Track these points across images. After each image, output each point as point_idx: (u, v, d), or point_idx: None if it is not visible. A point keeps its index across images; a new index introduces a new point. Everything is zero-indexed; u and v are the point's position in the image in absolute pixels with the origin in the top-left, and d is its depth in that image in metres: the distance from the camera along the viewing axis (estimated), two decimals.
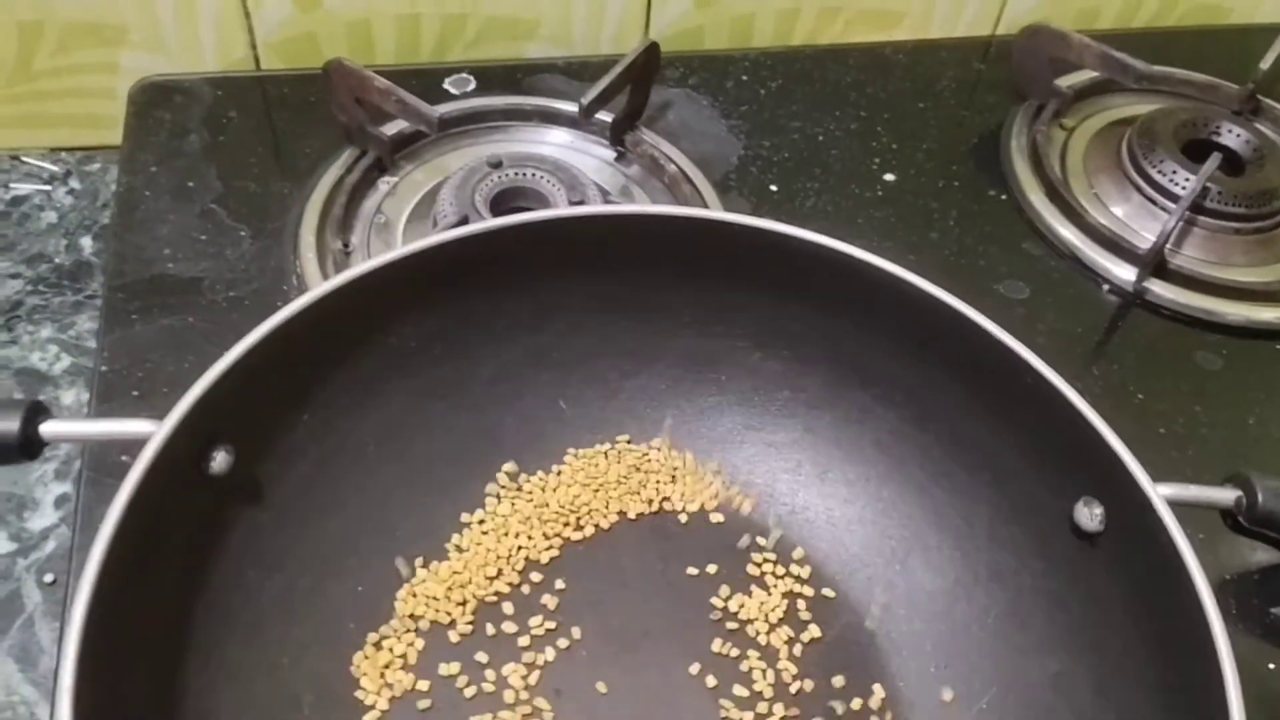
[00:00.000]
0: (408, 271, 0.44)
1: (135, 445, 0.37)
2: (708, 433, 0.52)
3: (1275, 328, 0.62)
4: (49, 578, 0.51)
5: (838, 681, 0.46)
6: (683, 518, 0.51)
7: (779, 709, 0.45)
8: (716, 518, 0.51)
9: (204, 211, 0.62)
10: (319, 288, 0.42)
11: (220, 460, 0.40)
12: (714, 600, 0.48)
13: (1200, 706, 0.36)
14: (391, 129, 0.65)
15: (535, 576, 0.49)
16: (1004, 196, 0.68)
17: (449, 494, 0.49)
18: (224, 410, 0.39)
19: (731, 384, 0.52)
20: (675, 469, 0.52)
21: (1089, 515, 0.42)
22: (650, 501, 0.51)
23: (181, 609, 0.40)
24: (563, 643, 0.47)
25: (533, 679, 0.46)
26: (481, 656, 0.46)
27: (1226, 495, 0.42)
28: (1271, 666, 0.49)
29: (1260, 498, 0.42)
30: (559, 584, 0.48)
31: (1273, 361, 0.62)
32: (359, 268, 0.43)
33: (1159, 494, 0.39)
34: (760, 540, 0.50)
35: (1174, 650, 0.39)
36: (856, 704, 0.46)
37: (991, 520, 0.46)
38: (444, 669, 0.46)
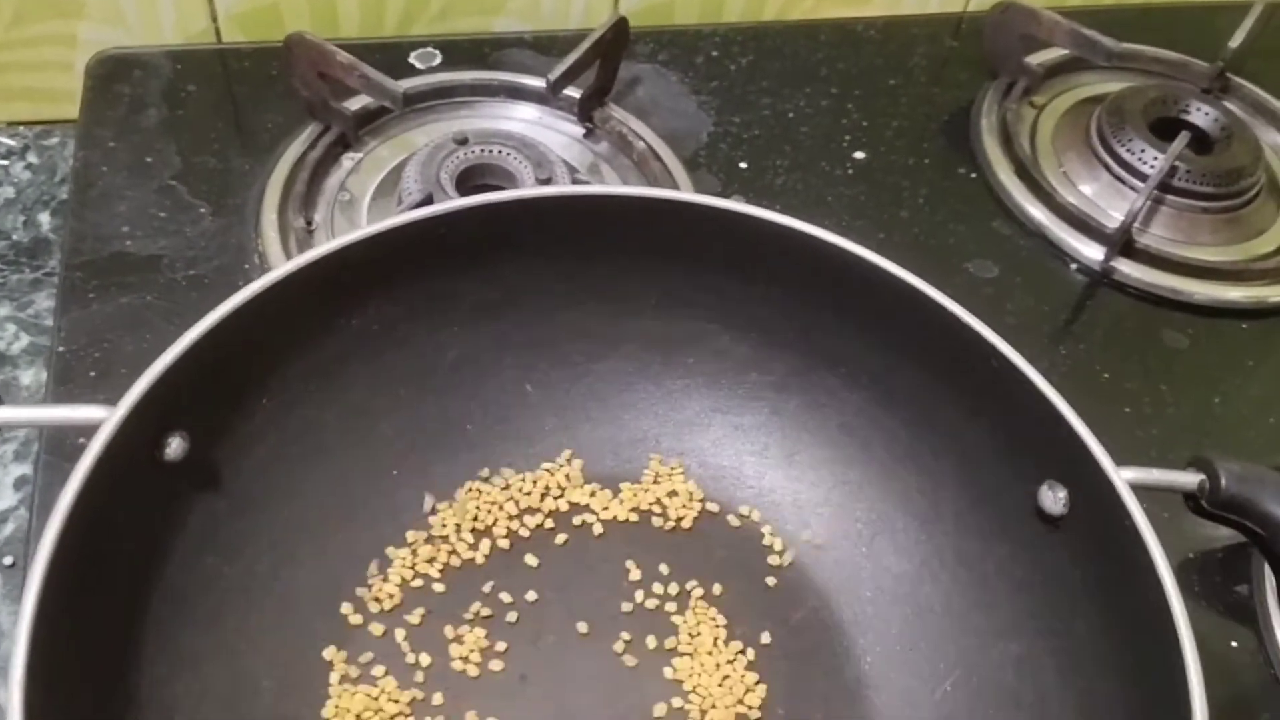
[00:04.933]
0: (369, 253, 0.44)
1: (92, 429, 0.37)
2: (675, 416, 0.52)
3: (1241, 307, 0.63)
4: (8, 560, 0.50)
5: (803, 663, 0.46)
6: (649, 502, 0.51)
7: (742, 690, 0.45)
8: (684, 503, 0.51)
9: (163, 188, 0.60)
10: (276, 271, 0.41)
11: (175, 447, 0.39)
12: (677, 582, 0.48)
13: (1162, 688, 0.37)
14: (355, 104, 0.64)
15: (501, 564, 0.48)
16: (974, 175, 0.68)
17: (411, 479, 0.48)
18: (179, 396, 0.39)
19: (699, 367, 0.51)
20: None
21: (1053, 499, 0.42)
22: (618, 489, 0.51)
23: (138, 596, 0.39)
24: (528, 629, 0.47)
25: (495, 665, 0.46)
26: (440, 638, 0.46)
27: (1189, 479, 0.42)
28: (1234, 644, 0.50)
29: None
30: (524, 572, 0.48)
31: (1239, 341, 0.62)
32: (318, 250, 0.42)
33: (1122, 478, 0.39)
34: (728, 522, 0.50)
35: (1136, 633, 0.39)
36: (821, 686, 0.46)
37: (957, 503, 0.46)
38: (406, 650, 0.46)
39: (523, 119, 0.67)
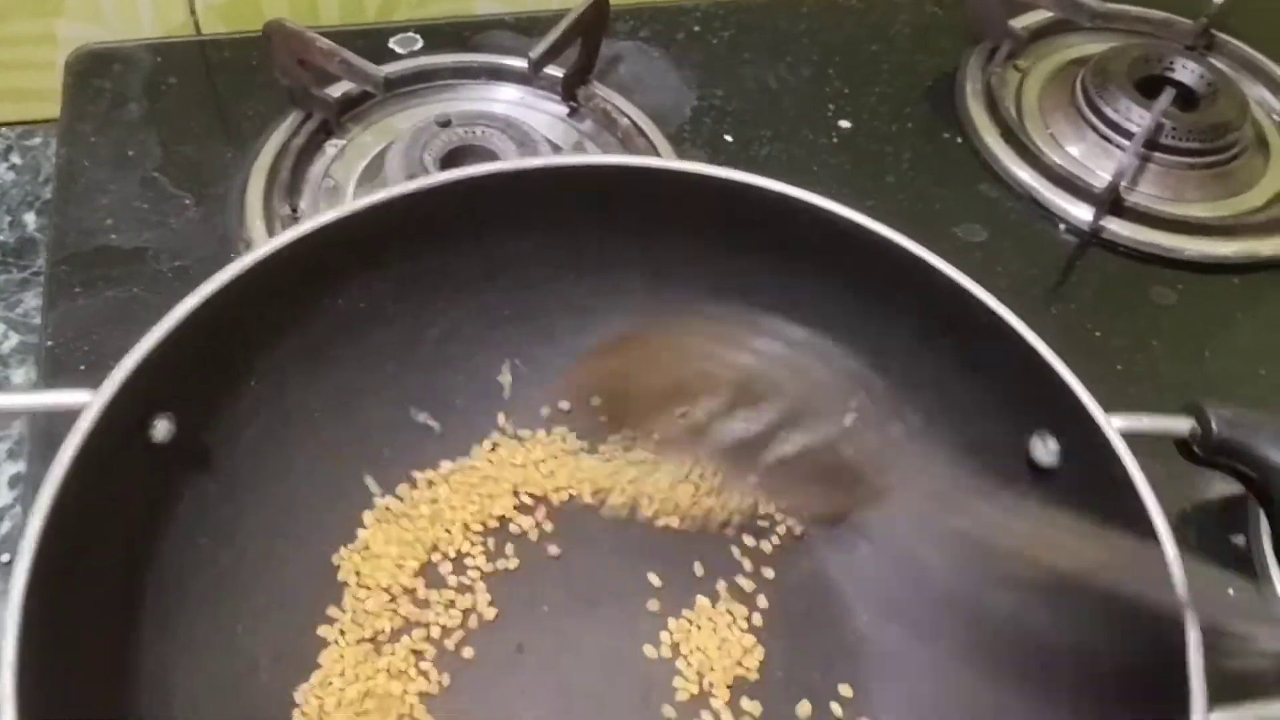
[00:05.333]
0: (351, 230, 0.43)
1: (78, 414, 0.37)
2: None
3: (1230, 262, 0.62)
4: (4, 557, 0.50)
5: (800, 625, 0.46)
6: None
7: (740, 653, 0.46)
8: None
9: (146, 180, 0.60)
10: (258, 250, 0.41)
11: (162, 429, 0.39)
12: (673, 549, 0.48)
13: (1158, 636, 0.36)
14: (337, 90, 0.63)
15: (495, 536, 0.48)
16: (959, 140, 0.68)
17: (402, 455, 0.48)
18: (164, 378, 0.38)
19: None
20: None
21: (1044, 450, 0.42)
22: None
23: (131, 582, 0.39)
24: (523, 600, 0.47)
25: (491, 635, 0.46)
26: (437, 610, 0.46)
27: (1181, 424, 0.42)
28: (1231, 593, 0.49)
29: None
30: (517, 543, 0.48)
31: (1227, 295, 0.62)
32: (299, 228, 0.42)
33: (1113, 425, 0.39)
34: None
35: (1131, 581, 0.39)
36: (819, 647, 0.46)
37: (950, 459, 0.46)
38: (402, 623, 0.46)
39: (506, 100, 0.67)
